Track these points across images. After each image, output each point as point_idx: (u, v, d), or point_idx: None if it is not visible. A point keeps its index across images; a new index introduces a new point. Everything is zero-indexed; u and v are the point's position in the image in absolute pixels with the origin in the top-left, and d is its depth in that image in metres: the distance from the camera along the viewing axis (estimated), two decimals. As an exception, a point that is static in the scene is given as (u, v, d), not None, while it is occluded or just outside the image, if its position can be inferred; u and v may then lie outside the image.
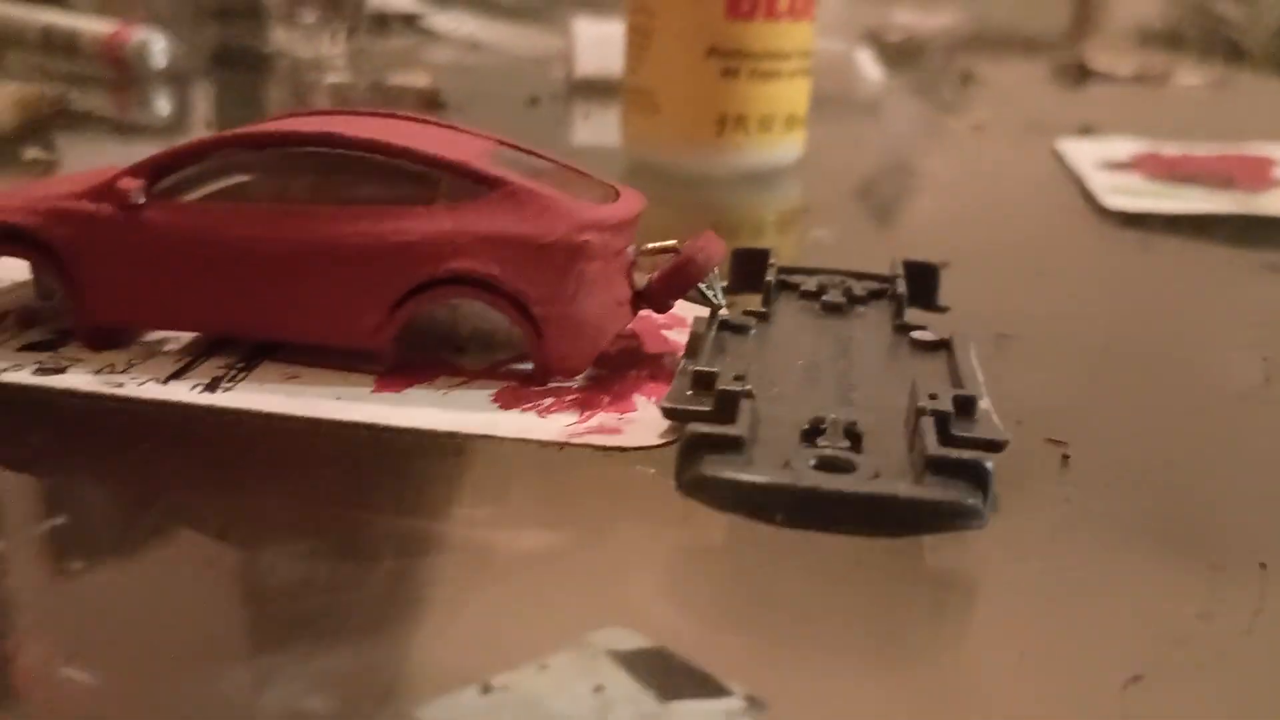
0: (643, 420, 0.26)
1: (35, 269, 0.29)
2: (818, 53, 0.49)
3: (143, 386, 0.26)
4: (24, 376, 0.26)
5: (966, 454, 0.21)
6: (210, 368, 0.27)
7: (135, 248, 0.27)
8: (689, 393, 0.26)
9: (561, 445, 0.25)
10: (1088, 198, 0.48)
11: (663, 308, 0.29)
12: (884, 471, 0.22)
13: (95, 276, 0.27)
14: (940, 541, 0.22)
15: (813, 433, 0.23)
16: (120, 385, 0.26)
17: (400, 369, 0.27)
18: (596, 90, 0.66)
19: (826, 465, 0.22)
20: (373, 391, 0.27)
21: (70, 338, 0.28)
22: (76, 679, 0.17)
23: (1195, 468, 0.26)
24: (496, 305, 0.27)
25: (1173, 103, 0.76)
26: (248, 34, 0.82)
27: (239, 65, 0.72)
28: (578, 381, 0.28)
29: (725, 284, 0.30)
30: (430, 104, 0.56)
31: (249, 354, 0.28)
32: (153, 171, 0.27)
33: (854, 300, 0.32)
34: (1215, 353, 0.32)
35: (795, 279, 0.32)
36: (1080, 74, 0.83)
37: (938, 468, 0.21)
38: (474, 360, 0.28)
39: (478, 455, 0.25)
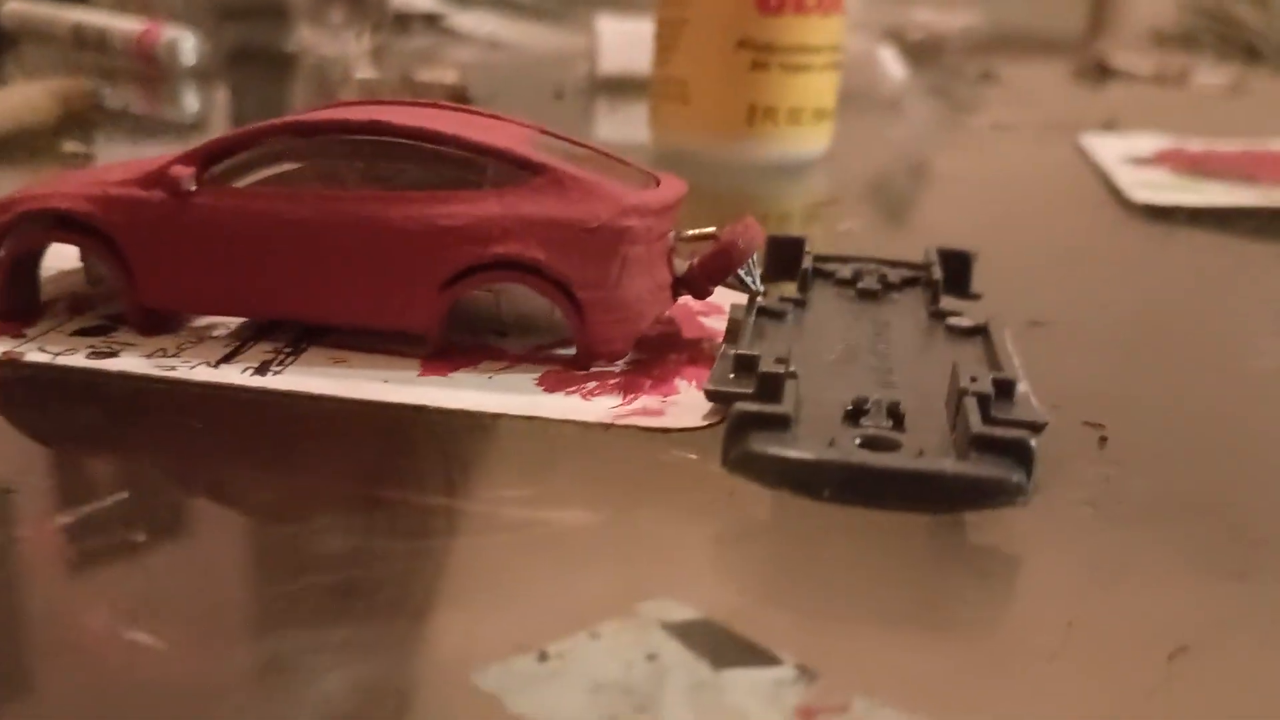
0: (684, 403, 0.26)
1: (87, 255, 0.30)
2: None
3: (194, 370, 0.27)
4: (79, 360, 0.27)
5: (1011, 432, 0.22)
6: (259, 352, 0.28)
7: (187, 234, 0.27)
8: (730, 375, 0.26)
9: (606, 426, 0.25)
10: (1113, 191, 0.48)
11: (702, 293, 0.29)
12: (927, 450, 0.23)
13: (147, 262, 0.28)
14: (982, 518, 0.22)
15: (856, 412, 0.24)
16: (173, 368, 0.27)
17: (444, 353, 0.28)
18: (619, 87, 0.67)
19: (871, 443, 0.22)
20: (419, 375, 0.27)
21: (121, 323, 0.29)
22: (142, 641, 0.18)
23: (1230, 447, 0.26)
24: (541, 289, 0.27)
25: (1192, 102, 0.76)
26: (267, 33, 0.82)
27: (258, 64, 0.73)
28: (619, 366, 0.28)
29: (761, 271, 0.30)
30: (458, 100, 0.56)
31: (296, 338, 0.28)
32: (204, 159, 0.28)
33: (888, 287, 0.32)
34: (1243, 339, 0.33)
35: (829, 266, 0.33)
36: (1100, 73, 0.83)
37: (982, 446, 0.22)
38: (515, 344, 0.29)
39: (524, 436, 0.25)
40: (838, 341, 0.28)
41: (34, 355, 0.27)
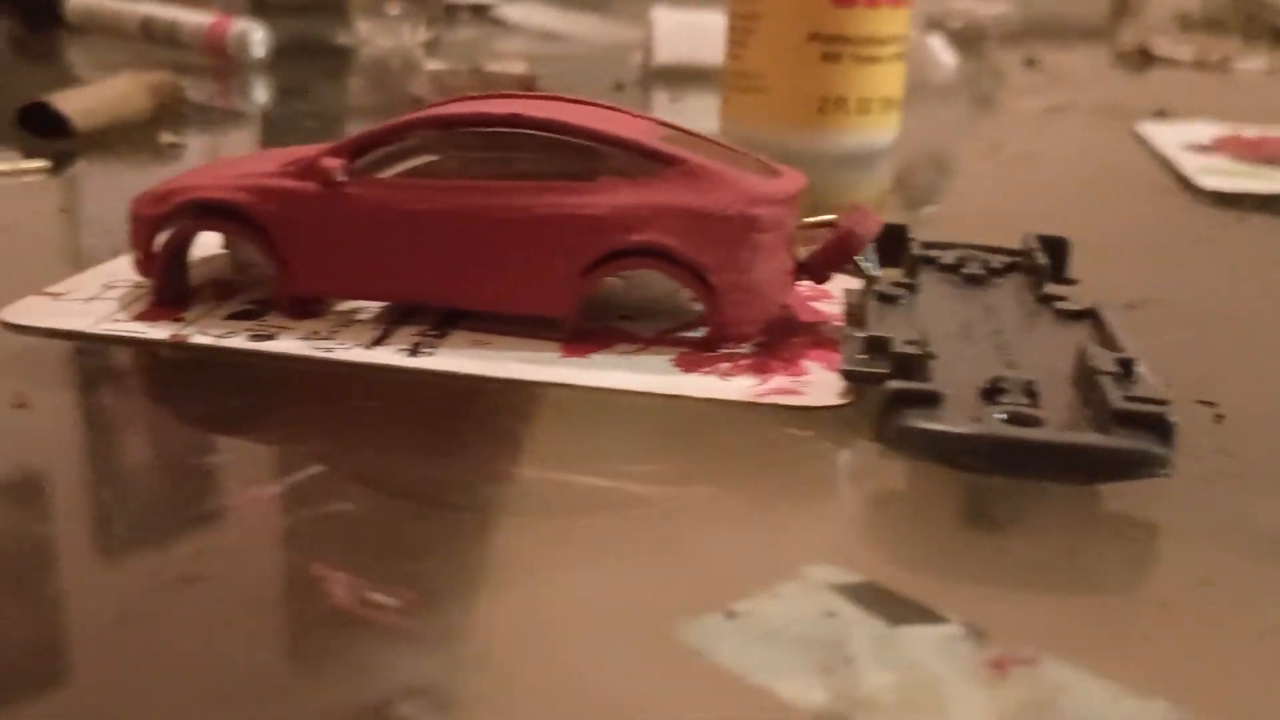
0: (817, 382, 0.28)
1: (231, 242, 0.31)
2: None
3: (350, 351, 0.28)
4: (240, 342, 0.28)
5: (1150, 407, 0.23)
6: (406, 335, 0.29)
7: (338, 222, 0.29)
8: (861, 356, 0.27)
9: (750, 405, 0.27)
10: (1178, 178, 0.49)
11: (822, 278, 0.30)
12: (1068, 426, 0.24)
13: (299, 250, 0.29)
14: (1115, 488, 0.24)
15: (992, 391, 0.25)
16: (330, 350, 0.28)
17: (579, 336, 0.29)
18: (675, 76, 0.68)
19: (1016, 419, 0.24)
20: (560, 356, 0.29)
21: (268, 308, 0.30)
22: (381, 601, 0.19)
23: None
24: (675, 275, 0.29)
25: (1236, 87, 0.77)
26: (320, 25, 0.83)
27: (312, 56, 0.74)
28: (746, 348, 0.29)
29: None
30: (527, 90, 0.58)
31: (438, 322, 0.30)
32: (352, 151, 0.29)
33: (991, 272, 0.33)
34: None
35: (932, 253, 0.34)
36: (1142, 59, 0.85)
37: (1123, 420, 0.23)
38: (643, 327, 0.30)
39: (669, 414, 0.27)
40: (953, 324, 0.30)
41: (198, 338, 0.28)
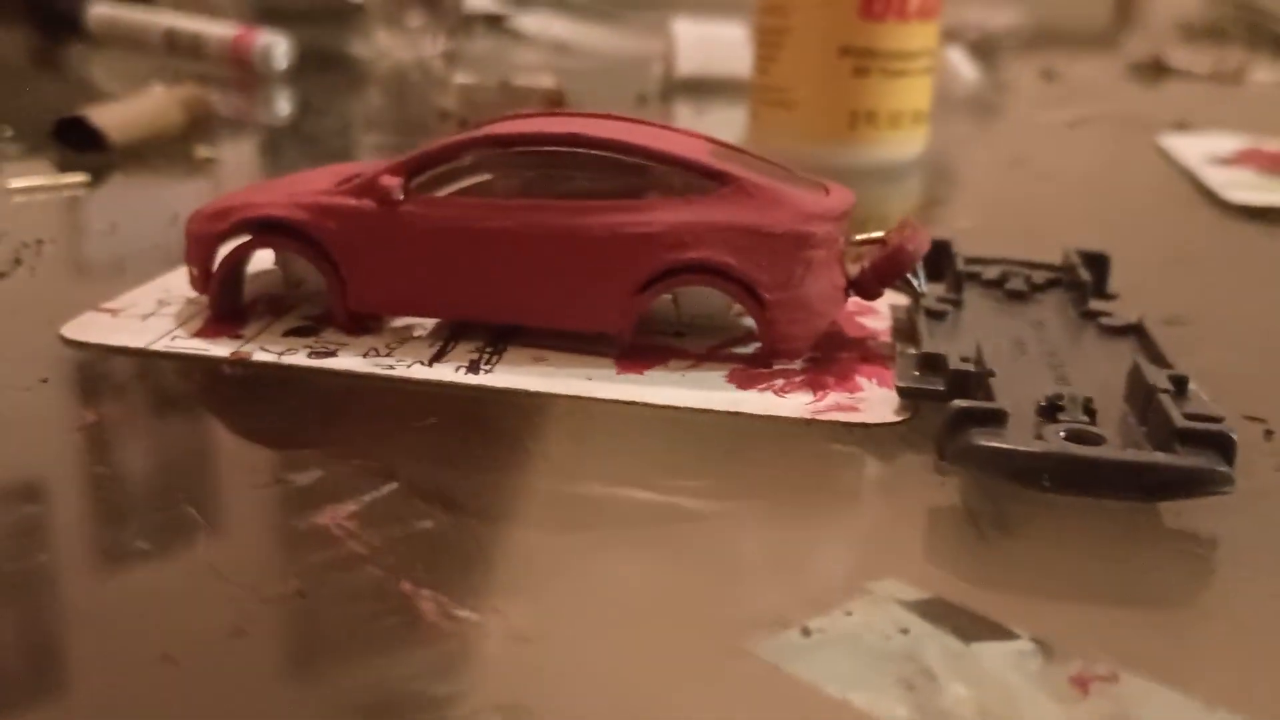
0: (872, 398, 0.28)
1: (284, 259, 0.32)
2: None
3: (410, 368, 0.28)
4: (301, 359, 0.29)
5: (1213, 425, 0.23)
6: (463, 351, 0.29)
7: (396, 240, 0.29)
8: (915, 373, 0.28)
9: (808, 421, 0.27)
10: (1204, 192, 0.50)
11: (873, 295, 0.31)
12: (1127, 443, 0.24)
13: (357, 267, 0.29)
14: (1175, 506, 0.24)
15: (1051, 408, 0.25)
16: (390, 367, 0.28)
17: (633, 351, 0.30)
18: (698, 89, 0.69)
19: (1077, 437, 0.24)
20: (616, 373, 0.29)
21: (324, 324, 0.31)
22: (468, 618, 0.20)
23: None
24: (730, 291, 0.29)
25: (1251, 99, 0.78)
26: (334, 36, 0.84)
27: (331, 67, 0.74)
28: (798, 364, 0.30)
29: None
30: (555, 104, 0.58)
31: (493, 338, 0.30)
32: (410, 169, 0.30)
33: (1033, 288, 0.34)
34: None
35: (974, 268, 0.34)
36: (1157, 70, 0.85)
37: (1186, 439, 0.23)
38: (694, 343, 0.31)
39: (727, 431, 0.27)
40: (1003, 340, 0.30)
41: (260, 355, 0.29)
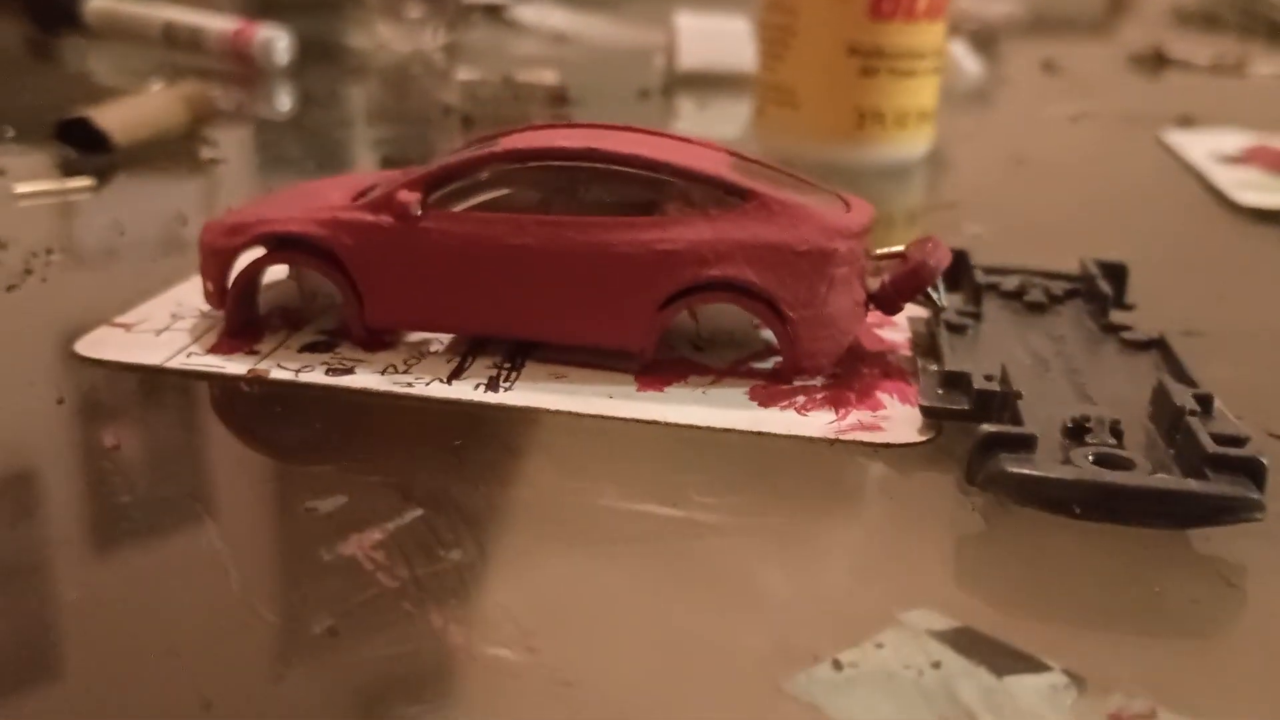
0: (895, 417, 0.28)
1: (298, 273, 0.31)
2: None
3: (429, 386, 0.28)
4: (318, 377, 0.28)
5: (1244, 451, 0.23)
6: (482, 368, 0.29)
7: (414, 256, 0.29)
8: (939, 391, 0.28)
9: (831, 442, 0.27)
10: (1213, 192, 0.50)
11: (894, 309, 0.31)
12: (1155, 467, 0.24)
13: (375, 283, 0.29)
14: (1204, 530, 0.24)
15: (1077, 430, 0.25)
16: (409, 385, 0.28)
17: (653, 368, 0.29)
18: (700, 83, 0.68)
19: (1105, 461, 0.24)
20: (637, 390, 0.29)
21: (339, 338, 0.30)
22: (505, 656, 0.19)
23: None
24: (752, 309, 0.29)
25: (1253, 91, 0.78)
26: (332, 27, 0.83)
27: (329, 59, 0.74)
28: (818, 380, 0.30)
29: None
30: (559, 101, 0.58)
31: (511, 353, 0.30)
32: (427, 184, 0.29)
33: (1052, 299, 0.33)
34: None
35: (993, 279, 0.34)
36: (1158, 62, 0.85)
37: (1217, 464, 0.23)
38: (714, 359, 0.30)
39: (750, 450, 0.27)
40: (1025, 355, 0.30)
41: (277, 373, 0.28)
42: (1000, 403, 0.26)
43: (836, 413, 0.28)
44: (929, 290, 0.30)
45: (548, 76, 0.59)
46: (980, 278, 0.33)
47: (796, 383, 0.29)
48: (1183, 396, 0.26)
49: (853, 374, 0.30)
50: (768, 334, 0.30)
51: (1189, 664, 0.21)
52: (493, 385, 0.28)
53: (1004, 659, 0.21)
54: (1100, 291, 0.33)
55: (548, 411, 0.28)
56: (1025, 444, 0.24)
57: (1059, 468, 0.24)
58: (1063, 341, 0.31)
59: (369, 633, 0.20)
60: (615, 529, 0.24)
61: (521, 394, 0.28)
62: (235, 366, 0.29)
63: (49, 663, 0.19)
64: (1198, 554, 0.24)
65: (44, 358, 0.30)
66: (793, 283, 0.28)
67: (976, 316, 0.32)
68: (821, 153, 0.50)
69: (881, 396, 0.29)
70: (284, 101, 0.64)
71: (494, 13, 0.90)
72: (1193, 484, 0.23)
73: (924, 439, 0.27)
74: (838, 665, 0.20)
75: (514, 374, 0.29)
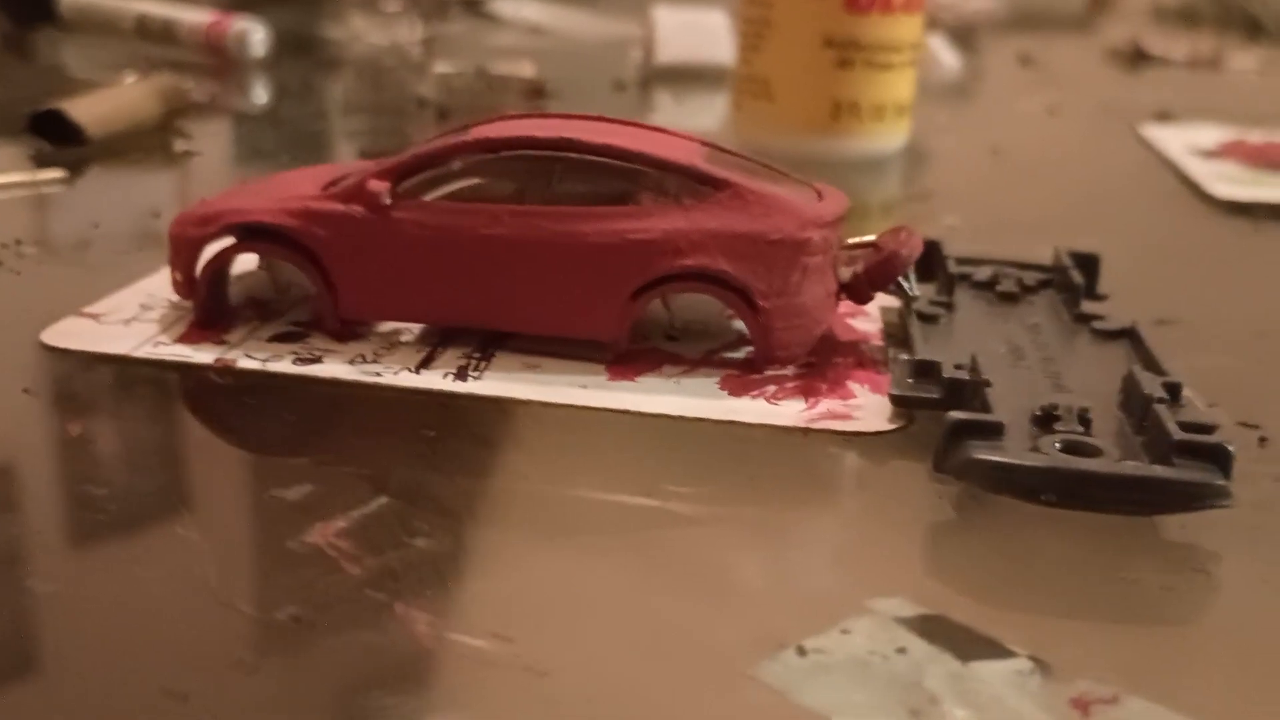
0: (866, 406, 0.28)
1: (269, 263, 0.31)
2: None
3: (398, 375, 0.28)
4: (286, 366, 0.28)
5: (1211, 438, 0.23)
6: (452, 357, 0.29)
7: (385, 246, 0.29)
8: (910, 380, 0.28)
9: (803, 431, 0.27)
10: (1190, 185, 0.50)
11: (865, 299, 0.31)
12: (1123, 454, 0.24)
13: (346, 273, 0.29)
14: (1173, 518, 0.24)
15: (1047, 418, 0.25)
16: (377, 374, 0.28)
17: (626, 358, 0.29)
18: (677, 76, 0.68)
19: (1074, 449, 0.24)
20: (608, 379, 0.29)
21: (310, 329, 0.30)
22: (465, 642, 0.19)
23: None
24: (725, 299, 0.29)
25: (1230, 87, 0.78)
26: (308, 20, 0.83)
27: (305, 52, 0.74)
28: (790, 369, 0.29)
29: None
30: (535, 93, 0.58)
31: (483, 344, 0.30)
32: (398, 174, 0.29)
33: (1025, 290, 0.33)
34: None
35: (966, 269, 0.34)
36: (1135, 57, 0.85)
37: (1184, 451, 0.23)
38: (688, 349, 0.30)
39: (719, 438, 0.27)
40: (998, 345, 0.30)
41: (245, 362, 0.28)
42: (970, 391, 0.26)
43: (807, 402, 0.28)
44: (901, 280, 0.30)
45: (524, 69, 0.59)
46: (953, 268, 0.33)
47: (768, 372, 0.29)
48: (1152, 385, 0.26)
49: (825, 364, 0.30)
50: (741, 324, 0.30)
51: (1156, 650, 0.21)
52: (461, 375, 0.28)
53: (971, 645, 0.21)
54: (1073, 282, 0.33)
55: (519, 401, 0.27)
56: (993, 431, 0.24)
57: (1027, 455, 0.24)
58: (1035, 331, 0.31)
59: (334, 620, 0.20)
60: (585, 517, 0.24)
61: (491, 384, 0.28)
62: (203, 356, 0.29)
63: (18, 654, 0.19)
64: (1169, 542, 0.24)
65: (11, 348, 0.29)
66: (765, 272, 0.28)
67: (949, 306, 0.32)
68: (798, 145, 0.50)
69: (853, 386, 0.29)
70: (259, 94, 0.64)
71: (472, 6, 0.90)
72: (1158, 470, 0.23)
73: (894, 428, 0.27)
74: (802, 651, 0.20)
75: (484, 364, 0.29)
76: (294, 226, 0.29)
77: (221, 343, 0.29)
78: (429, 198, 0.29)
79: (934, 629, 0.21)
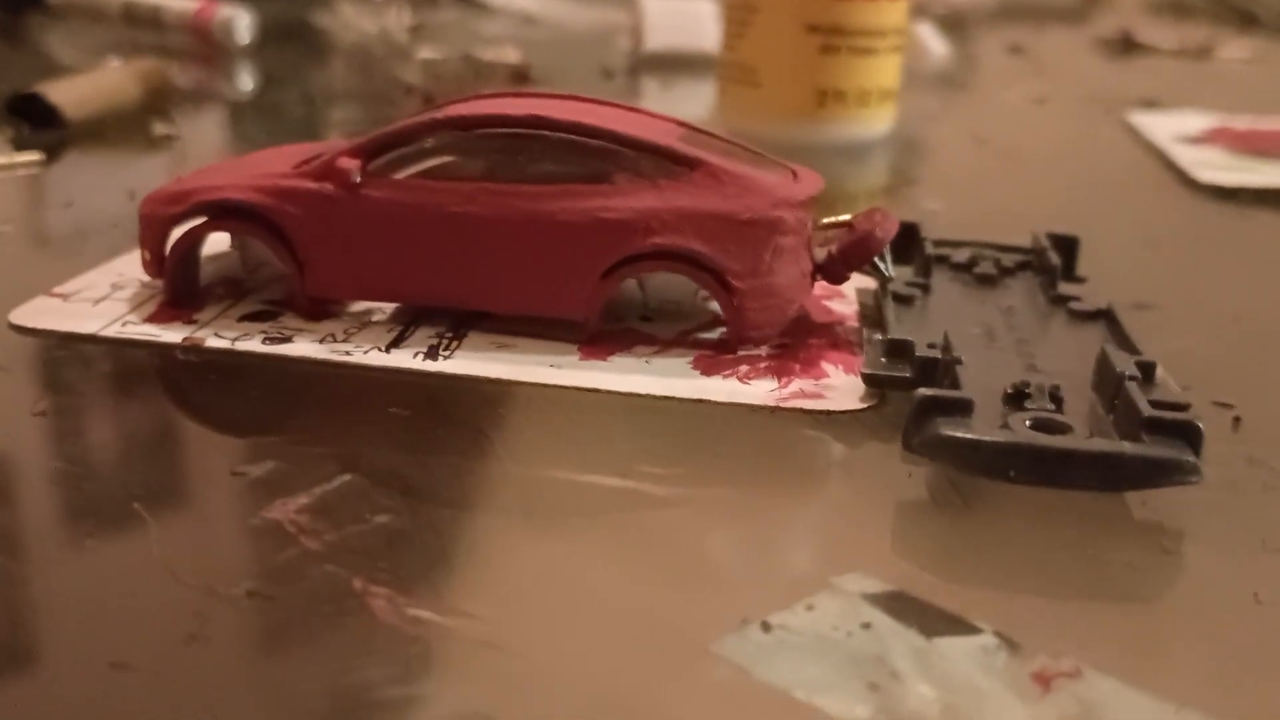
0: (838, 386, 0.28)
1: (241, 242, 0.31)
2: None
3: (368, 355, 0.28)
4: (255, 345, 0.28)
5: (1180, 414, 0.23)
6: (423, 337, 0.29)
7: (356, 224, 0.29)
8: (883, 360, 0.27)
9: (773, 410, 0.27)
10: (1175, 171, 0.50)
11: (840, 279, 0.30)
12: (1093, 431, 0.24)
13: (317, 251, 0.29)
14: (1141, 495, 0.24)
15: (1017, 395, 0.25)
16: (347, 354, 0.28)
17: (598, 338, 0.29)
18: (665, 64, 0.68)
19: (1043, 426, 0.24)
20: (580, 359, 0.28)
21: (282, 308, 0.30)
22: (423, 617, 0.19)
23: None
24: (697, 278, 0.28)
25: (1219, 75, 0.78)
26: (297, 7, 0.83)
27: (293, 39, 0.73)
28: (763, 350, 0.29)
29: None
30: (521, 79, 0.58)
31: (455, 324, 0.30)
32: (369, 151, 0.29)
33: (1002, 271, 0.33)
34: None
35: (943, 251, 0.34)
36: (1125, 46, 0.85)
37: (1153, 428, 0.23)
38: (661, 329, 0.30)
39: (690, 417, 0.27)
40: (972, 325, 0.30)
41: (213, 341, 0.28)
42: (942, 370, 0.26)
43: (779, 381, 0.28)
44: (876, 260, 0.30)
45: (510, 55, 0.58)
46: (930, 250, 0.33)
47: (741, 352, 0.29)
48: (1124, 363, 0.26)
49: (799, 344, 0.30)
50: (715, 305, 0.30)
51: (1122, 627, 0.21)
52: (432, 354, 0.28)
53: (935, 621, 0.21)
54: (1050, 264, 0.32)
55: (489, 380, 0.27)
56: (962, 408, 0.24)
57: (994, 431, 0.23)
58: (1012, 313, 0.31)
59: (290, 595, 0.19)
60: (554, 495, 0.23)
61: (461, 363, 0.28)
62: (172, 335, 0.28)
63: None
64: (1137, 521, 0.24)
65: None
66: (738, 251, 0.28)
67: (925, 288, 0.32)
68: (783, 131, 0.50)
69: (826, 366, 0.29)
70: (244, 80, 0.63)
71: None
72: (1126, 446, 0.23)
73: (866, 407, 0.27)
74: (766, 627, 0.20)
75: (455, 343, 0.29)
76: (265, 204, 0.29)
77: (191, 322, 0.29)
78: (400, 176, 0.29)
79: (900, 606, 0.21)
